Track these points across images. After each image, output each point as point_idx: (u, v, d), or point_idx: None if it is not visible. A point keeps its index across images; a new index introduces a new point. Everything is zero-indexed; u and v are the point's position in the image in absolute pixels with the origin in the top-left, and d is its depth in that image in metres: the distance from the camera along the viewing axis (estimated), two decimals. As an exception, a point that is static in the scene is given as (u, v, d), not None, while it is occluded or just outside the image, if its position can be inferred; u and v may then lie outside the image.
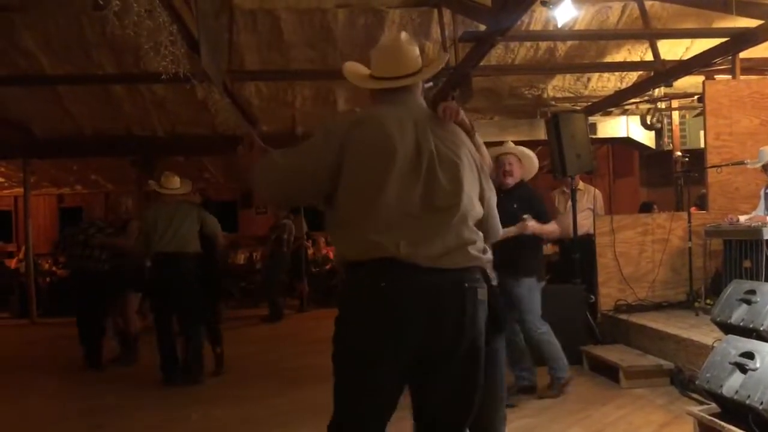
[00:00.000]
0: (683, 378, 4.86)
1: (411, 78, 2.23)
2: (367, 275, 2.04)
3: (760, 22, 5.82)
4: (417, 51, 2.29)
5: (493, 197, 2.29)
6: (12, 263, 12.65)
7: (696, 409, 3.94)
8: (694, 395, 4.57)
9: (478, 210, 2.17)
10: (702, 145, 7.04)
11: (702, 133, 7.04)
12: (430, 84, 6.71)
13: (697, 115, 9.24)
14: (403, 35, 2.34)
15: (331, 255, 12.28)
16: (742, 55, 6.80)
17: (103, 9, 3.91)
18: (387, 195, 2.02)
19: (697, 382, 3.91)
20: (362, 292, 2.06)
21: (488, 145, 2.70)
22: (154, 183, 6.16)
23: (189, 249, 5.81)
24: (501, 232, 2.37)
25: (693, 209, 6.69)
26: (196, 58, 4.95)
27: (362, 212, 2.04)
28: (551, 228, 4.85)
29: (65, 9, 6.60)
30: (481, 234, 2.16)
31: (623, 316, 6.06)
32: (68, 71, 7.58)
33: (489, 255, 2.19)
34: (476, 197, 2.17)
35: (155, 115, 9.18)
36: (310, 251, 12.31)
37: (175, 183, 6.10)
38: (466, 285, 2.08)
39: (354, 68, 2.36)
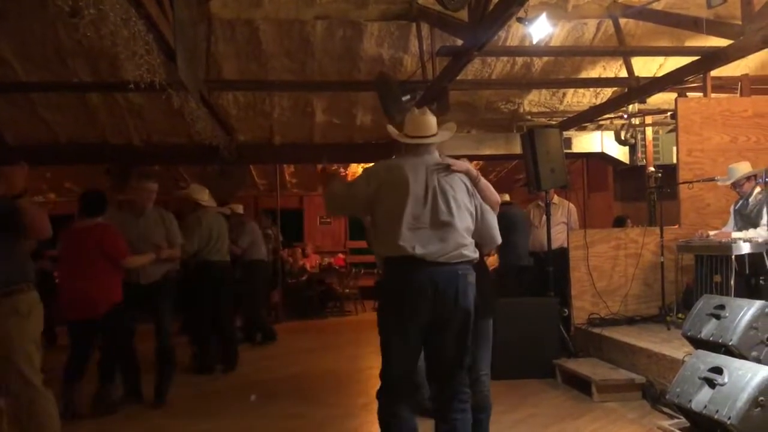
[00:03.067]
0: (654, 392, 4.92)
1: (430, 138, 3.35)
2: (395, 267, 3.18)
3: (730, 41, 5.94)
4: (435, 120, 3.39)
5: (490, 218, 3.35)
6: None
7: (666, 423, 4.00)
8: (665, 409, 4.62)
9: (468, 225, 3.24)
10: (674, 161, 7.15)
11: (674, 149, 7.16)
12: (408, 97, 6.76)
13: (670, 131, 9.40)
14: (427, 110, 3.45)
15: (308, 266, 12.26)
16: (713, 73, 6.94)
17: (78, 17, 3.87)
18: (406, 216, 3.14)
19: (667, 396, 3.96)
20: (392, 278, 3.20)
21: (464, 157, 3.65)
22: (197, 193, 6.80)
23: (228, 258, 6.94)
24: (498, 241, 3.42)
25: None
26: (173, 67, 4.92)
27: (392, 227, 3.15)
28: None
29: (41, 16, 6.53)
30: (471, 240, 3.24)
31: (596, 330, 6.12)
32: (43, 78, 7.50)
33: (476, 254, 3.26)
34: (469, 216, 3.25)
35: (131, 124, 9.10)
36: (290, 260, 12.24)
37: (207, 196, 6.82)
38: (459, 273, 3.16)
39: (393, 130, 3.45)
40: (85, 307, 4.91)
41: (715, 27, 6.09)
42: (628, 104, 8.59)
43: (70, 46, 7.05)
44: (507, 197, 9.28)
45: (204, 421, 4.94)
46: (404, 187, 3.15)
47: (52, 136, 9.24)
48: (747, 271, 5.18)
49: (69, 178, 11.94)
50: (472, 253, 3.21)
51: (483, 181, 3.39)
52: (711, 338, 3.90)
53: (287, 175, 12.93)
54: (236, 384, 6.23)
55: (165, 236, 5.50)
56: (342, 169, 12.85)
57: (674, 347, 5.00)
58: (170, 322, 5.57)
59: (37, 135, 9.18)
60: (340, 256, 13.81)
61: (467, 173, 3.31)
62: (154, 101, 8.16)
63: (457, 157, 3.46)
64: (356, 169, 12.67)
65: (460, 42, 5.83)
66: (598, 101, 8.98)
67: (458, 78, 6.46)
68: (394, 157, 3.58)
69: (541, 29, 5.50)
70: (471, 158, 11.26)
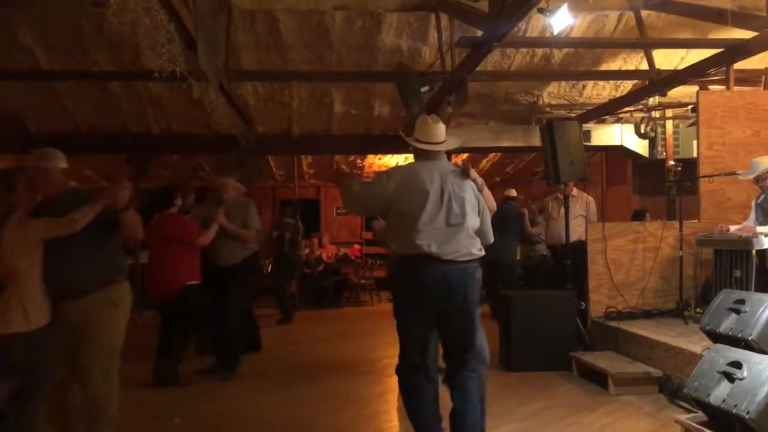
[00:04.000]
0: (671, 386, 4.90)
1: (441, 145, 3.66)
2: (411, 262, 3.44)
3: (755, 34, 5.86)
4: (444, 128, 3.68)
5: (488, 219, 3.69)
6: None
7: (683, 417, 3.97)
8: (682, 403, 4.61)
9: (476, 225, 3.58)
10: (695, 155, 7.08)
11: (695, 142, 7.08)
12: (426, 88, 6.75)
13: (691, 124, 9.29)
14: (437, 118, 3.72)
15: (325, 256, 12.32)
16: (737, 66, 6.84)
17: (102, 6, 3.92)
18: (423, 217, 3.43)
19: (685, 390, 3.94)
20: (408, 272, 3.46)
21: (482, 149, 4.04)
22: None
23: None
24: (491, 239, 3.72)
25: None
26: (194, 57, 4.95)
27: (409, 226, 3.43)
28: None
29: (63, 5, 6.59)
30: (478, 239, 3.59)
31: (613, 323, 6.09)
32: (65, 67, 7.56)
33: (482, 252, 3.58)
34: (477, 217, 3.59)
35: (151, 113, 9.17)
36: (306, 251, 12.29)
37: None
38: (468, 270, 3.48)
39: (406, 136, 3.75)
40: (160, 290, 5.67)
41: (739, 18, 6.00)
42: (649, 97, 8.50)
43: (91, 35, 7.10)
44: (513, 192, 9.31)
45: (222, 402, 5.01)
46: (422, 190, 3.45)
47: (73, 125, 9.34)
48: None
49: (89, 166, 12.04)
50: (479, 252, 3.56)
51: (485, 189, 3.78)
52: (730, 333, 3.87)
53: (305, 166, 12.97)
54: (258, 370, 6.29)
55: (243, 221, 6.14)
56: (357, 169, 12.90)
57: (692, 341, 4.97)
58: (239, 302, 6.12)
59: (58, 123, 9.28)
60: (356, 246, 13.86)
61: (474, 181, 3.67)
62: (173, 91, 8.22)
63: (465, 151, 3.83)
64: (373, 160, 12.70)
65: (479, 33, 5.80)
66: (618, 94, 8.90)
67: (477, 69, 6.42)
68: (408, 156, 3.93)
69: (561, 20, 5.46)
70: (489, 150, 11.35)
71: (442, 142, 3.65)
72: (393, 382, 5.50)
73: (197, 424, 4.66)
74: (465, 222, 3.48)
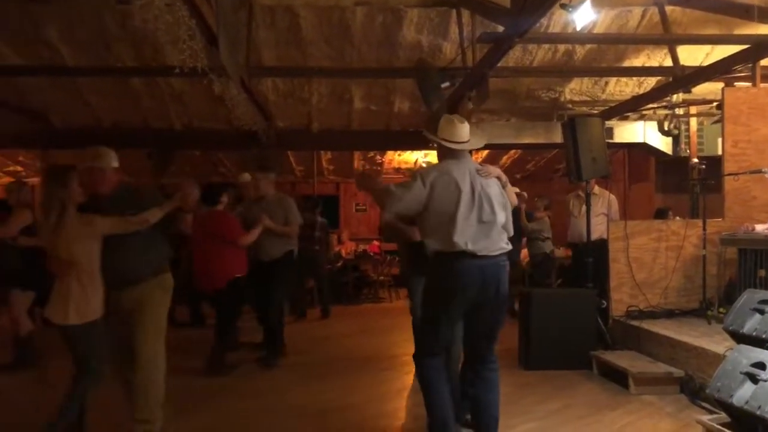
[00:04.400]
0: (693, 386, 4.84)
1: (466, 144, 3.78)
2: (448, 258, 3.58)
3: (782, 29, 5.76)
4: (468, 127, 3.80)
5: (510, 213, 3.81)
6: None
7: (705, 417, 3.92)
8: (704, 404, 4.56)
9: (503, 221, 3.73)
10: (719, 152, 6.98)
11: (720, 140, 6.98)
12: (447, 84, 6.72)
13: (716, 122, 9.17)
14: (461, 118, 3.83)
15: (344, 253, 12.32)
16: (763, 62, 6.73)
17: (128, 3, 4.00)
18: (458, 215, 3.57)
19: (707, 391, 3.89)
20: (446, 267, 3.60)
21: (502, 146, 3.96)
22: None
23: None
24: (511, 232, 3.81)
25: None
26: (215, 53, 4.97)
27: (446, 224, 3.58)
28: None
29: (88, 2, 6.66)
30: (506, 234, 3.75)
31: (634, 322, 6.03)
32: (89, 63, 7.66)
33: (510, 246, 3.75)
34: (504, 213, 3.73)
35: (172, 109, 9.25)
36: (337, 247, 12.29)
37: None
38: (500, 264, 3.67)
39: (431, 135, 3.82)
40: (209, 281, 5.99)
41: (766, 14, 5.91)
42: (673, 94, 8.39)
43: (115, 32, 7.18)
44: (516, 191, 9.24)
45: (242, 399, 5.06)
46: (456, 190, 3.62)
47: (96, 120, 9.45)
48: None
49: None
50: (508, 246, 3.74)
51: (509, 186, 3.95)
52: (754, 333, 3.81)
53: (324, 162, 13.00)
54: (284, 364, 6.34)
55: (285, 218, 6.34)
56: (378, 167, 12.88)
57: (715, 341, 4.91)
58: (282, 295, 6.53)
59: (82, 119, 9.40)
60: (375, 243, 13.83)
61: (498, 178, 3.86)
62: (195, 87, 8.27)
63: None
64: (392, 156, 12.68)
65: (501, 28, 5.77)
66: (642, 90, 8.81)
67: (498, 65, 6.39)
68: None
69: (584, 16, 5.41)
70: (510, 147, 11.28)
71: (467, 141, 3.78)
72: (411, 379, 5.53)
73: (219, 417, 4.70)
74: (495, 219, 3.66)
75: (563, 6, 5.25)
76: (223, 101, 6.87)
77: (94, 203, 3.82)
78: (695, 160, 9.23)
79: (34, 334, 6.16)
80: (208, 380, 5.68)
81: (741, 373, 3.56)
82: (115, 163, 3.98)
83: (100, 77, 8.27)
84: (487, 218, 3.64)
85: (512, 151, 12.35)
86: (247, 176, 7.00)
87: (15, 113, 8.95)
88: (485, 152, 11.51)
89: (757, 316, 3.87)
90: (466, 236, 3.55)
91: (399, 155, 12.60)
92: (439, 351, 3.77)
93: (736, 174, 6.19)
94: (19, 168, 12.58)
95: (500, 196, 3.75)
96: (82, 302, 3.62)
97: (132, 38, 7.25)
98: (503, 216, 3.74)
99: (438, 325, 3.70)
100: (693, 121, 9.50)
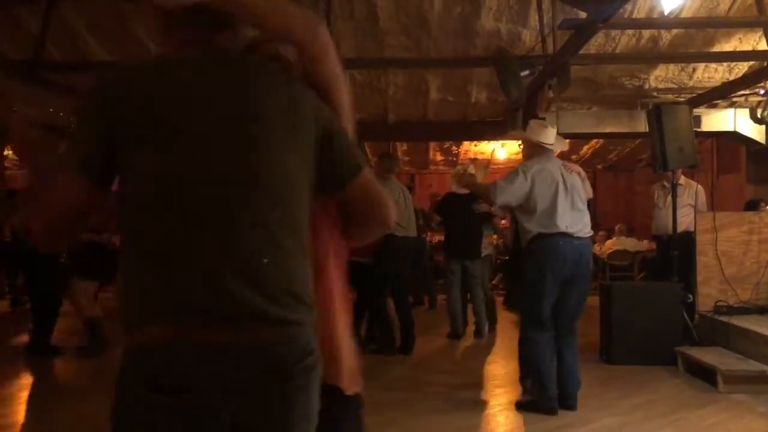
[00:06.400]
0: (789, 386, 4.61)
1: (553, 146, 4.55)
2: (552, 239, 4.28)
3: None
4: (554, 131, 4.62)
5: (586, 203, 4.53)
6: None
7: (802, 418, 3.74)
8: (801, 405, 4.34)
9: (585, 209, 4.45)
10: (818, 141, 6.59)
11: (819, 127, 6.59)
12: (527, 72, 6.62)
13: (814, 108, 8.65)
14: (548, 123, 4.76)
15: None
16: None
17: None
18: (559, 203, 4.29)
19: (804, 391, 3.70)
20: (550, 246, 4.28)
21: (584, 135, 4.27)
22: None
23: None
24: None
25: None
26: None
27: (549, 211, 4.29)
28: None
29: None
30: (589, 220, 4.48)
31: (723, 318, 5.78)
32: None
33: (591, 231, 4.54)
34: (586, 203, 4.47)
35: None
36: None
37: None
38: (589, 244, 4.46)
39: (525, 135, 4.74)
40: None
41: None
42: (767, 80, 7.96)
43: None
44: None
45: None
46: (553, 182, 4.34)
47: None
48: None
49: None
50: (591, 230, 4.55)
51: (587, 180, 4.68)
52: None
53: (400, 153, 13.03)
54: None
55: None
56: (452, 156, 12.80)
57: (813, 340, 4.66)
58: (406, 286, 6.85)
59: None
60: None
61: (578, 173, 4.56)
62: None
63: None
64: (468, 147, 12.60)
65: (583, 15, 5.62)
66: (732, 77, 8.39)
67: (580, 52, 6.23)
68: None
69: (672, 0, 5.21)
70: (592, 136, 11.00)
71: (554, 143, 4.54)
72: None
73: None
74: (582, 207, 4.40)
75: (650, -11, 5.08)
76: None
77: None
78: (790, 149, 8.77)
79: (99, 319, 6.20)
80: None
81: (843, 372, 3.37)
82: None
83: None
84: (577, 206, 4.37)
85: (594, 141, 12.04)
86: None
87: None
88: (566, 141, 11.27)
89: None
90: (566, 220, 4.27)
91: (475, 146, 12.50)
92: (546, 322, 4.33)
93: (837, 163, 5.84)
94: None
95: (581, 188, 4.46)
96: None
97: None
98: (584, 204, 4.46)
99: (542, 296, 4.28)
100: (789, 108, 8.98)
